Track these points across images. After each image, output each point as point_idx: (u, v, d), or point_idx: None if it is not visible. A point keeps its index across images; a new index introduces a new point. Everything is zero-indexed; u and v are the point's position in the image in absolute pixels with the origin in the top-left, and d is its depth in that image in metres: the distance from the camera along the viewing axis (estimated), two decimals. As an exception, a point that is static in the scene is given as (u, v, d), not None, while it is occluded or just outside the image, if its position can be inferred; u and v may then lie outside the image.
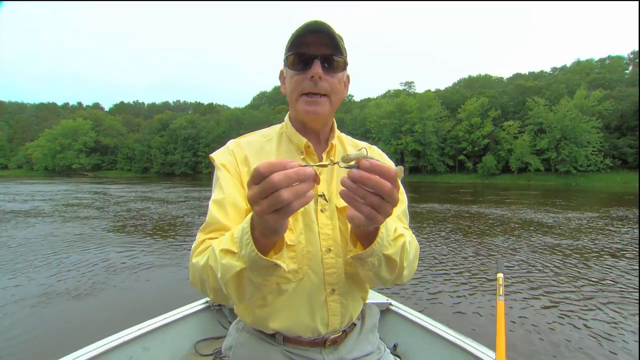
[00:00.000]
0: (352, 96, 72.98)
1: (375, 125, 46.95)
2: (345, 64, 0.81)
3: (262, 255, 0.58)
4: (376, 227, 0.64)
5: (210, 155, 0.86)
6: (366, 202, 0.51)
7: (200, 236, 0.76)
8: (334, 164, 0.56)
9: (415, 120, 43.78)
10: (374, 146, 0.99)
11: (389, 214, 0.54)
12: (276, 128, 0.93)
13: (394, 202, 0.52)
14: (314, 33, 0.75)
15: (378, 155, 0.95)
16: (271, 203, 0.48)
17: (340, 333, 0.86)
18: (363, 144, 0.98)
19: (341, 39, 0.78)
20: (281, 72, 0.87)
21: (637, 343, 2.94)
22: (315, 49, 0.76)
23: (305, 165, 0.49)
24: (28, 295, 4.00)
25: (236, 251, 0.61)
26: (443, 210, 11.86)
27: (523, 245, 6.50)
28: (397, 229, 0.73)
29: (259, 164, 0.48)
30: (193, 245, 0.75)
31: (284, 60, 0.81)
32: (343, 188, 0.52)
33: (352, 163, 0.51)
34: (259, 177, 0.48)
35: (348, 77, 0.88)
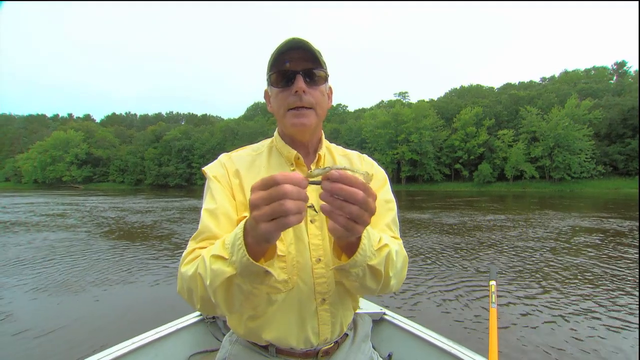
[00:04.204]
0: (347, 107, 73.78)
1: (371, 135, 47.37)
2: (326, 76, 0.83)
3: (253, 261, 0.58)
4: (358, 238, 0.65)
5: (203, 168, 0.88)
6: (344, 212, 0.52)
7: (191, 245, 0.76)
8: (311, 182, 0.55)
9: (412, 130, 44.35)
10: (364, 155, 1.00)
11: (367, 223, 0.55)
12: (266, 142, 0.94)
13: (370, 211, 0.54)
14: (293, 50, 0.77)
15: (368, 164, 0.97)
16: (274, 209, 0.49)
17: (333, 344, 0.86)
18: (353, 153, 0.98)
19: (320, 53, 0.79)
20: (266, 92, 0.88)
21: (638, 347, 2.96)
22: (296, 65, 0.78)
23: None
24: (13, 307, 3.87)
25: (227, 257, 0.61)
26: (439, 218, 11.92)
27: (517, 252, 6.49)
28: (382, 239, 0.73)
29: (277, 174, 0.50)
30: (183, 254, 0.75)
31: (267, 80, 0.83)
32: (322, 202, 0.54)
33: (319, 178, 0.53)
34: (271, 184, 0.50)
35: (330, 88, 0.90)
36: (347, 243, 0.66)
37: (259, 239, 0.55)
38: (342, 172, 0.52)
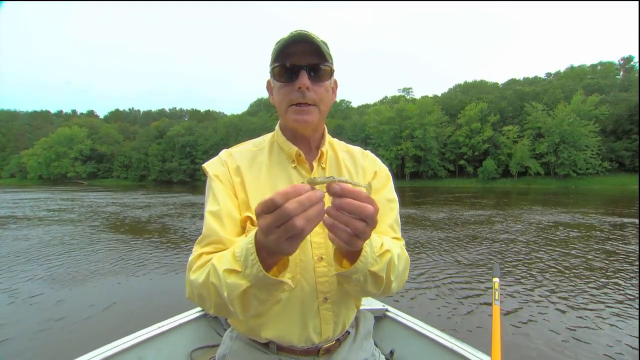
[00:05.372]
0: (350, 102, 73.39)
1: (375, 131, 47.14)
2: (331, 71, 0.80)
3: (268, 275, 0.58)
4: None
5: (203, 165, 0.86)
6: (349, 227, 0.52)
7: (196, 249, 0.75)
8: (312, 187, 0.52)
9: (416, 126, 44.08)
10: (367, 151, 0.98)
11: (368, 237, 0.56)
12: (267, 137, 0.92)
13: (374, 225, 0.53)
14: (298, 43, 0.74)
15: (371, 161, 0.96)
16: (286, 231, 0.48)
17: (334, 342, 0.86)
18: (356, 148, 0.97)
19: (326, 45, 0.76)
20: (268, 83, 0.86)
21: (638, 345, 2.93)
22: (301, 59, 0.75)
23: (313, 188, 0.50)
24: (15, 305, 3.93)
25: (240, 270, 0.61)
26: (441, 214, 11.92)
27: (521, 249, 6.47)
28: (384, 244, 0.71)
29: (275, 195, 0.48)
30: (190, 259, 0.74)
31: (270, 72, 0.80)
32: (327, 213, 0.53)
33: (321, 187, 0.51)
34: (273, 207, 0.48)
35: (335, 82, 0.88)
36: (347, 251, 0.65)
37: (278, 253, 0.56)
38: (344, 185, 0.50)
